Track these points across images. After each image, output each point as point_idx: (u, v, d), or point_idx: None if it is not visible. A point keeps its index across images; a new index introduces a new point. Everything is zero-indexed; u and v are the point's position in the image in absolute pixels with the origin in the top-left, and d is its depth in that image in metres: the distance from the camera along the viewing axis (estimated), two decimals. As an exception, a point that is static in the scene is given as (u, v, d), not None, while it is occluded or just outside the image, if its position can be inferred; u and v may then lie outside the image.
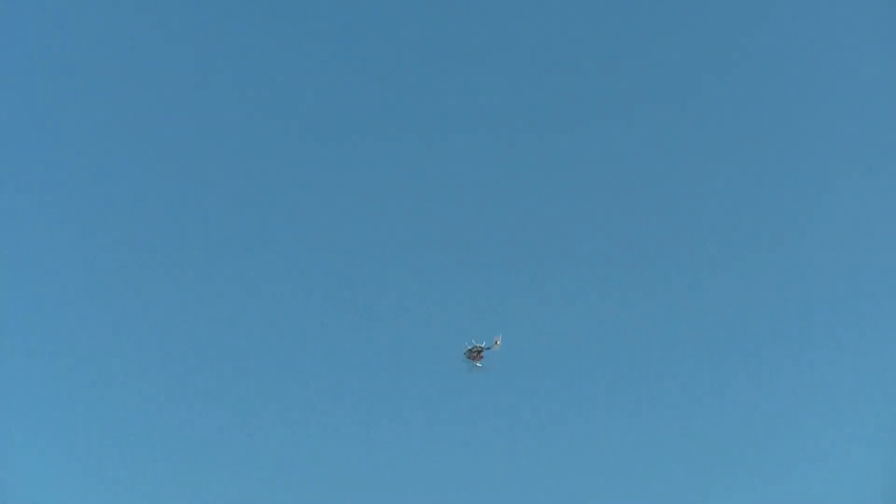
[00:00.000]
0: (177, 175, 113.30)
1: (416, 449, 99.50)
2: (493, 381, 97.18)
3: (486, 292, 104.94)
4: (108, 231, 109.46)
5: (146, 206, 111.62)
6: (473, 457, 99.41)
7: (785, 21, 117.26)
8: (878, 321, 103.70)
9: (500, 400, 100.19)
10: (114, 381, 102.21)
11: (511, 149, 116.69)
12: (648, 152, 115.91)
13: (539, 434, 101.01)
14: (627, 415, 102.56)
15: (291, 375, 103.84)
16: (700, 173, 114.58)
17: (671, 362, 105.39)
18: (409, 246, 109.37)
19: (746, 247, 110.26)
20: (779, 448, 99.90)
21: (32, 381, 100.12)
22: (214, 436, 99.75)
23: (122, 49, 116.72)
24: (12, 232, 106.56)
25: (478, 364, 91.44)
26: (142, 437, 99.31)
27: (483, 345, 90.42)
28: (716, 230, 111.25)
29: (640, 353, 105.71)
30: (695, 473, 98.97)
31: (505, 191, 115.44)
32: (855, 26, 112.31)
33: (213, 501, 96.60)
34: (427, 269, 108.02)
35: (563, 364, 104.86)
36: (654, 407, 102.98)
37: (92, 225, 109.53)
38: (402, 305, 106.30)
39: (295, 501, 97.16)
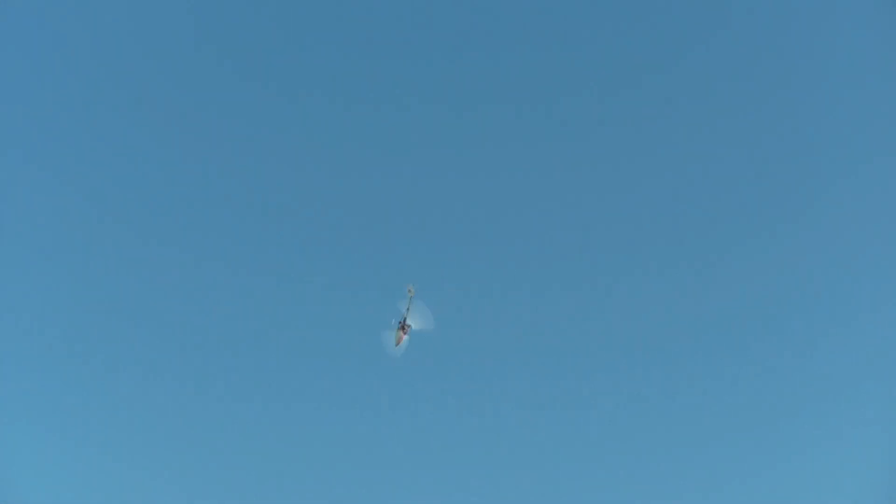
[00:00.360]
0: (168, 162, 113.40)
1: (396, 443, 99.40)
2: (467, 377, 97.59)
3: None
4: (106, 222, 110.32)
5: (144, 199, 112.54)
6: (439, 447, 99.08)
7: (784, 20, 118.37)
8: (878, 317, 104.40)
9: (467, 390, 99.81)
10: (113, 378, 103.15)
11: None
12: (639, 140, 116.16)
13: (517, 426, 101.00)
14: (620, 407, 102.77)
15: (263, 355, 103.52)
16: (692, 168, 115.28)
17: (665, 357, 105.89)
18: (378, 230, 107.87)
19: (743, 240, 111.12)
20: (775, 444, 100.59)
21: (31, 379, 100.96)
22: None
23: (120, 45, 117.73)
24: (11, 230, 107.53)
25: (405, 333, 79.42)
26: (140, 435, 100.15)
27: (402, 316, 78.07)
28: (707, 221, 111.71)
29: (634, 348, 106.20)
30: (684, 470, 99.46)
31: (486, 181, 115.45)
32: (854, 26, 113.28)
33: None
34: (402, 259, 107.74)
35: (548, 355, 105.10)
36: (651, 404, 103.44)
37: (90, 220, 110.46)
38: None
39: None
